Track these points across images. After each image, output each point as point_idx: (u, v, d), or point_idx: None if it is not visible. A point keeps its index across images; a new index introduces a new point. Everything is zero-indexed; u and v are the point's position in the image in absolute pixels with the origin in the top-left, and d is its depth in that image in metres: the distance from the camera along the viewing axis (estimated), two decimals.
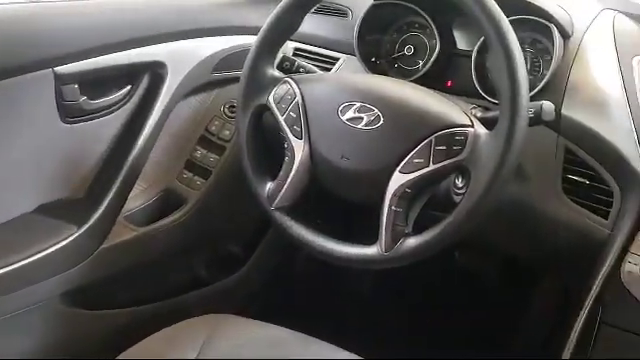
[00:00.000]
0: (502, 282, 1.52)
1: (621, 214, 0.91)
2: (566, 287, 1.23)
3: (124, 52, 1.04)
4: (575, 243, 0.97)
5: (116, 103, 1.06)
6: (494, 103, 0.95)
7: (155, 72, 1.09)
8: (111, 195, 1.08)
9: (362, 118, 0.82)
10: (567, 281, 1.18)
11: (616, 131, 0.91)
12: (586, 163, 0.95)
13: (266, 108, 0.91)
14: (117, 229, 1.11)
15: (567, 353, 0.90)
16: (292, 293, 1.52)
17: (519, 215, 1.02)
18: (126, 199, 1.12)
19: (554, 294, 1.43)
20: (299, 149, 0.87)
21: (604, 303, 0.91)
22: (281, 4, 0.89)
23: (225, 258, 1.39)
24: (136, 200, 1.17)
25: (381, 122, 0.81)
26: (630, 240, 0.90)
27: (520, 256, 1.20)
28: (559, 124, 0.95)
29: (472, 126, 0.77)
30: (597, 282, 0.91)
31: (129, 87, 1.08)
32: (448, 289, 1.53)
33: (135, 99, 1.09)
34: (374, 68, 1.12)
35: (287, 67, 1.00)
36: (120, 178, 1.08)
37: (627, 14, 1.01)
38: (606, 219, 0.93)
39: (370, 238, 0.83)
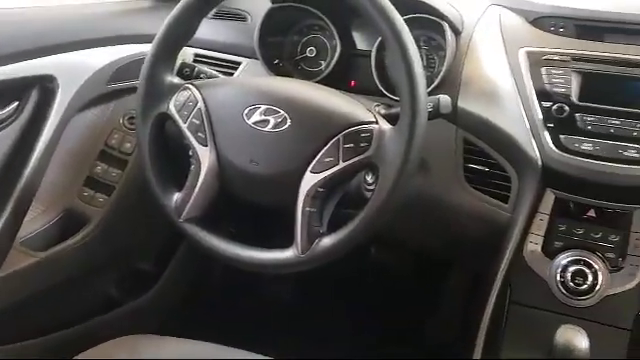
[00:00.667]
0: (415, 277, 1.57)
1: (519, 197, 0.97)
2: (475, 274, 1.29)
3: (8, 66, 0.97)
4: (480, 229, 1.02)
5: (2, 121, 0.99)
6: (396, 100, 0.97)
7: (44, 86, 1.02)
8: (3, 220, 1.00)
9: (269, 121, 0.81)
10: (475, 268, 1.24)
11: (509, 120, 0.96)
12: (484, 152, 1.00)
13: (167, 116, 0.88)
14: (13, 256, 1.03)
15: (482, 335, 0.94)
16: (212, 305, 1.48)
17: (426, 207, 1.05)
18: (21, 223, 1.04)
19: (466, 283, 1.50)
20: (205, 156, 0.85)
21: (511, 284, 0.96)
22: (175, 9, 0.87)
23: (137, 276, 1.33)
24: (34, 223, 1.09)
25: (288, 124, 0.81)
26: (530, 221, 0.95)
27: (430, 248, 1.24)
28: (456, 116, 1.00)
29: (377, 123, 0.79)
30: (503, 264, 0.96)
31: (16, 103, 1.00)
32: (365, 288, 1.56)
33: (24, 115, 1.01)
34: (277, 70, 1.12)
35: (187, 73, 0.97)
36: (12, 201, 1.01)
37: (511, 9, 1.06)
38: (506, 203, 0.98)
39: (286, 241, 0.82)
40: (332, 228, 0.81)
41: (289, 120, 0.81)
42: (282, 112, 0.81)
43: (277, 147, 0.81)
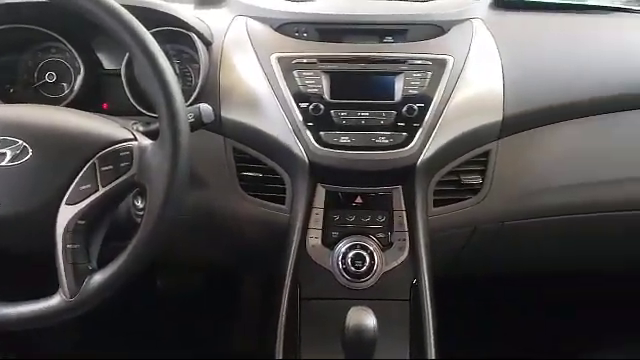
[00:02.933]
0: (209, 293, 1.53)
1: (294, 197, 1.00)
2: (267, 278, 1.30)
3: None
4: (263, 234, 1.03)
5: None
6: (154, 117, 0.93)
7: None
8: None
9: (5, 154, 0.72)
10: (266, 272, 1.25)
11: (272, 124, 0.98)
12: (256, 158, 1.01)
13: None
14: None
15: (280, 335, 0.94)
16: None
17: (206, 222, 1.03)
18: None
19: (260, 288, 1.51)
20: None
21: (300, 281, 0.99)
22: None
23: None
24: None
25: (30, 154, 0.72)
26: (307, 217, 0.99)
27: (218, 261, 1.23)
28: (222, 127, 0.99)
29: (135, 139, 0.75)
30: (290, 264, 0.98)
31: None
32: (157, 320, 1.47)
33: None
34: (10, 98, 1.00)
35: None
36: None
37: (256, 18, 1.09)
38: (284, 204, 1.01)
39: (54, 288, 0.73)
40: (106, 262, 0.74)
41: (30, 150, 0.72)
42: (20, 142, 0.73)
43: (20, 182, 0.72)
